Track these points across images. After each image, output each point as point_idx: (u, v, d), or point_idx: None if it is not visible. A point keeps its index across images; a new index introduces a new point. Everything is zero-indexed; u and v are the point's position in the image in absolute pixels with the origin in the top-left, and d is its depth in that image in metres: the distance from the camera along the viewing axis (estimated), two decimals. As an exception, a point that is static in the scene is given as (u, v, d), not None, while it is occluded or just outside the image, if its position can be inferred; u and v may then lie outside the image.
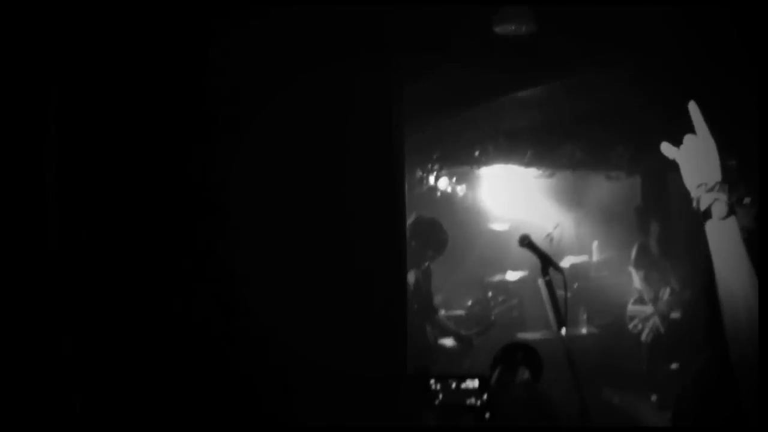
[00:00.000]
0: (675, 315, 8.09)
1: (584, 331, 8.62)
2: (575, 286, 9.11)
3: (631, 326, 8.19)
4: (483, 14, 4.37)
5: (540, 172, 8.92)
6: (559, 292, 4.04)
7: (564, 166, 8.59)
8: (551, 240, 9.10)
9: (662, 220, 8.76)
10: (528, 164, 8.22)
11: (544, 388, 3.65)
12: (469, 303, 8.48)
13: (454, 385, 3.20)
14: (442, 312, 7.59)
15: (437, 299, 7.59)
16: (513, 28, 4.44)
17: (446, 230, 6.66)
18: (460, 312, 8.33)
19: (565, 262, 9.33)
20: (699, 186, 1.87)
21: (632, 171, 9.64)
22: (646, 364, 7.97)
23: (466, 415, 3.24)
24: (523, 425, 3.08)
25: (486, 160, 8.03)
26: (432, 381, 3.19)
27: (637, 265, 8.42)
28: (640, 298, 8.26)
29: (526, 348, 3.88)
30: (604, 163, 8.83)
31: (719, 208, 1.83)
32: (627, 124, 7.71)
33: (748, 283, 1.75)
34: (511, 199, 9.43)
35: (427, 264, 6.56)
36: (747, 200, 4.40)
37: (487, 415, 3.18)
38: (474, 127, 7.13)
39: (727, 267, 1.80)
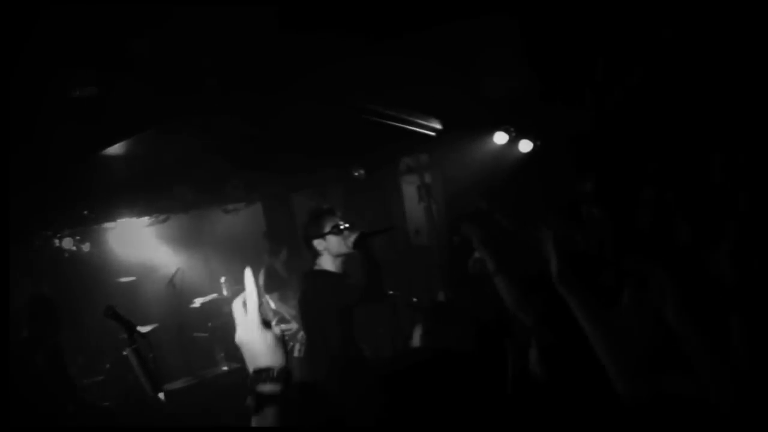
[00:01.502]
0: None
1: (225, 368, 9.06)
2: (209, 325, 9.67)
3: None
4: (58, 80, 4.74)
5: (153, 219, 9.26)
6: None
7: (177, 209, 9.03)
8: (174, 286, 9.53)
9: (290, 242, 9.58)
10: (140, 214, 8.48)
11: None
12: (108, 366, 8.47)
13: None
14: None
15: (73, 370, 7.59)
16: (77, 92, 4.90)
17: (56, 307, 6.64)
18: (100, 378, 8.31)
19: (196, 303, 9.87)
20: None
21: (251, 200, 10.40)
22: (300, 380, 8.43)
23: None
24: None
25: (100, 216, 8.21)
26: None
27: (268, 288, 9.11)
28: (282, 318, 8.92)
29: None
30: (219, 198, 9.38)
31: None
32: (236, 157, 8.30)
33: None
34: (134, 250, 9.67)
35: (50, 343, 6.50)
36: (344, 226, 5.23)
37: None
38: (79, 183, 7.22)
39: None
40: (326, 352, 5.02)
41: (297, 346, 8.61)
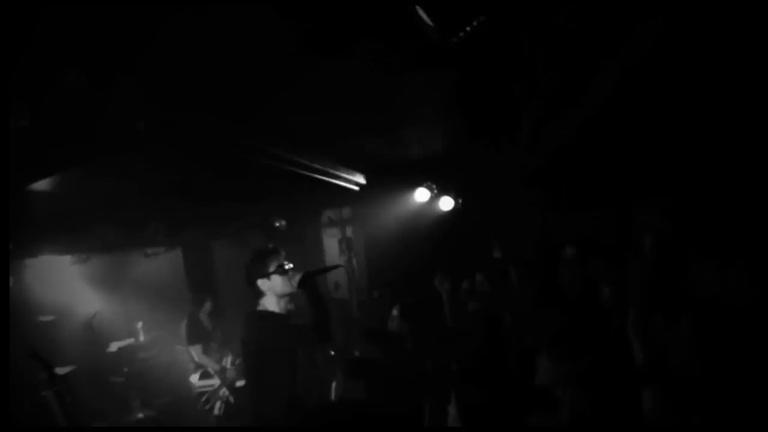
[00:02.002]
0: (241, 382, 8.60)
1: (140, 415, 8.83)
2: (125, 370, 9.52)
3: (201, 403, 8.58)
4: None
5: (74, 258, 9.08)
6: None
7: (98, 249, 8.84)
8: (92, 329, 9.35)
9: (213, 292, 9.51)
10: (62, 251, 8.35)
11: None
12: (27, 406, 7.92)
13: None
14: None
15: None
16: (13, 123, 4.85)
17: None
18: (20, 418, 7.77)
19: (112, 347, 9.69)
20: None
21: (171, 245, 10.33)
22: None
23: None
24: None
25: (23, 251, 7.90)
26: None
27: (191, 339, 8.93)
28: (206, 372, 8.76)
29: None
30: (140, 241, 9.27)
31: None
32: (159, 201, 8.25)
33: None
34: (55, 289, 9.37)
35: None
36: (289, 266, 5.24)
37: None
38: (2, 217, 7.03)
39: None
40: (267, 397, 4.95)
41: (218, 405, 8.55)
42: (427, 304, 7.49)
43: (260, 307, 5.14)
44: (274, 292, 5.09)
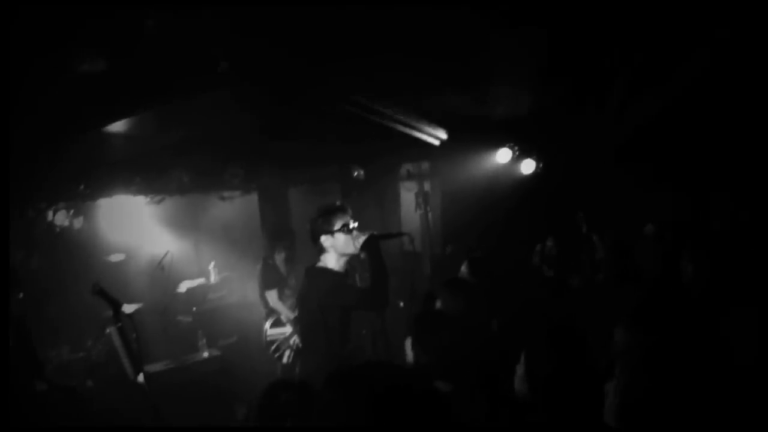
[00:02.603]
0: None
1: (206, 354, 8.92)
2: (193, 309, 9.61)
3: (272, 351, 8.49)
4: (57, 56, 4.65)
5: (149, 198, 9.16)
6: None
7: (173, 191, 8.92)
8: (163, 268, 9.43)
9: (290, 239, 9.44)
10: (137, 192, 8.39)
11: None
12: (90, 343, 8.32)
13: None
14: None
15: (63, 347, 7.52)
16: (87, 66, 4.77)
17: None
18: (82, 354, 8.19)
19: (182, 288, 9.76)
20: None
21: (247, 189, 10.32)
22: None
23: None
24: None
25: (96, 191, 8.08)
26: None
27: (267, 284, 8.77)
28: (278, 319, 8.63)
29: None
30: (216, 184, 9.31)
31: None
32: (237, 145, 8.20)
33: None
34: (126, 229, 9.54)
35: (17, 316, 6.33)
36: (353, 225, 5.13)
37: None
38: (78, 158, 7.13)
39: None
40: (318, 351, 4.91)
41: (287, 353, 8.44)
42: (498, 262, 7.34)
43: (320, 264, 5.02)
44: (335, 250, 4.96)
